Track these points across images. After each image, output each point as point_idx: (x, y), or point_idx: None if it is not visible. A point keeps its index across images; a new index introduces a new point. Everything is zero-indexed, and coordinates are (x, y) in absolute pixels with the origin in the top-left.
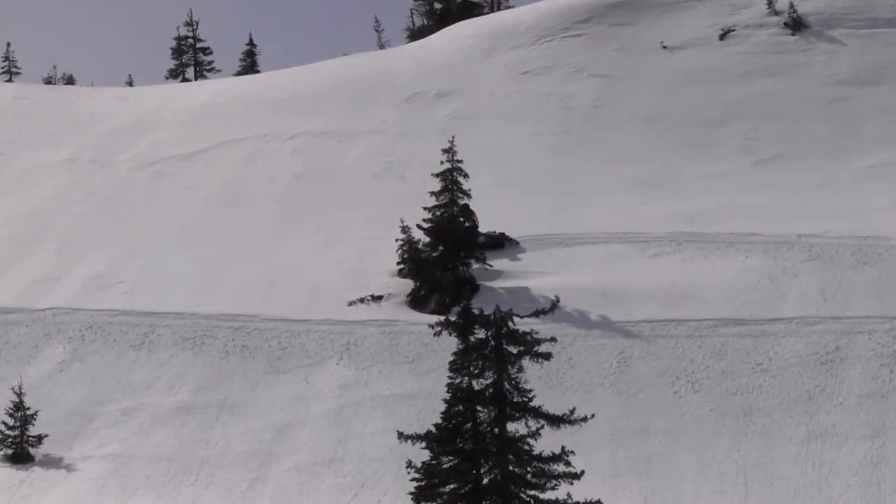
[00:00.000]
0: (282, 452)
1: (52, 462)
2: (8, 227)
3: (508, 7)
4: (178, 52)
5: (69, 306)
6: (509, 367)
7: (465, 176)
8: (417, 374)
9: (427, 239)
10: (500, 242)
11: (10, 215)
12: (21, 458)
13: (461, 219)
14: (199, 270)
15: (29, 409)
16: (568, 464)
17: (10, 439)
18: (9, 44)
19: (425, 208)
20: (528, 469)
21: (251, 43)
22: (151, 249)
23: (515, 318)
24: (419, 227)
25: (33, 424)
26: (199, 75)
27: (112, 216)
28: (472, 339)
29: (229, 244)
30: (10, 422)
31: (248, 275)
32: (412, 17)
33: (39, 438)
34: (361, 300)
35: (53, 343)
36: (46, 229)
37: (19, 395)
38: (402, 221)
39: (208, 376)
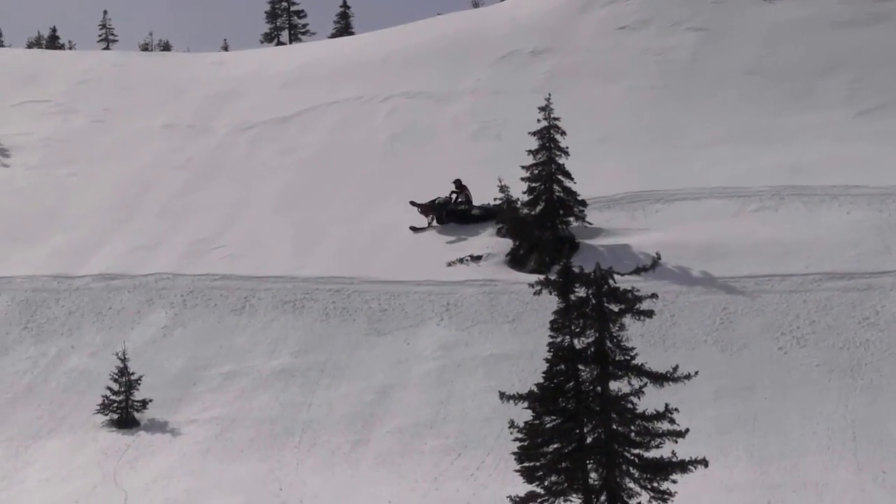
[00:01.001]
0: (384, 414)
1: (157, 426)
2: (109, 194)
3: None
4: (272, 15)
5: (170, 272)
6: (611, 325)
7: (563, 133)
8: (518, 333)
9: (526, 197)
10: (493, 215)
11: (111, 182)
12: (126, 422)
13: (454, 194)
14: (297, 234)
15: (133, 374)
16: (672, 422)
17: (116, 404)
18: (105, 12)
19: (523, 167)
20: (632, 427)
21: (345, 5)
22: (249, 214)
23: (616, 276)
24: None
25: (138, 389)
26: (293, 38)
27: (210, 181)
28: (572, 297)
29: (326, 207)
30: (115, 387)
31: (345, 237)
32: None
33: (144, 403)
34: (461, 260)
35: (156, 308)
36: (146, 196)
37: (123, 360)
38: (500, 181)
39: (309, 339)
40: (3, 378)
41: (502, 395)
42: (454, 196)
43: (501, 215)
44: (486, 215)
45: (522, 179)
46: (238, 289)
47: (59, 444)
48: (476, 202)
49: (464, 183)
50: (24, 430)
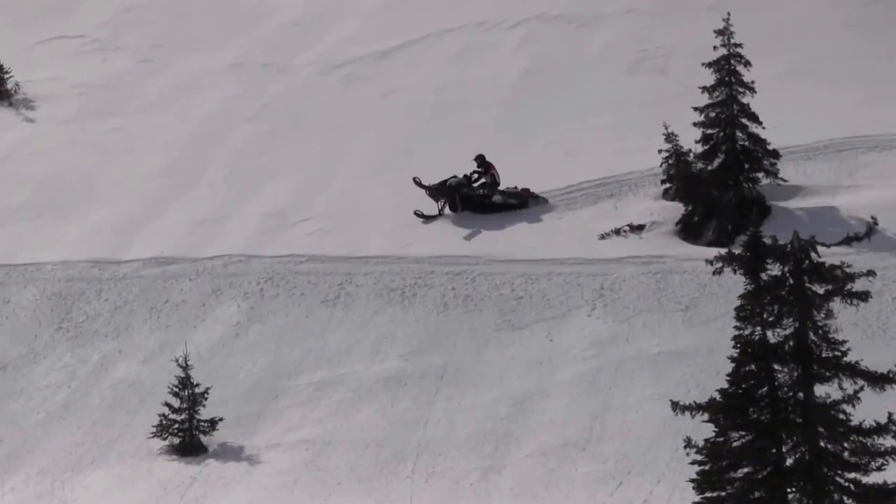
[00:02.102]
0: (521, 432)
1: (231, 453)
2: (163, 153)
3: None
4: None
5: (243, 253)
6: (814, 311)
7: (747, 64)
8: (694, 324)
9: (700, 148)
10: (523, 201)
11: (166, 139)
12: (191, 448)
13: (475, 173)
14: (405, 201)
15: (198, 385)
16: None
17: (177, 425)
18: None
19: (696, 109)
20: (845, 444)
21: None
22: (343, 176)
23: (820, 248)
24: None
25: (204, 405)
26: None
27: (292, 135)
28: (764, 277)
29: (440, 165)
30: (176, 403)
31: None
32: None
33: (213, 423)
34: (617, 231)
35: (225, 300)
36: (210, 156)
37: (185, 368)
38: (667, 127)
39: (423, 337)
40: (33, 394)
41: (675, 405)
42: (475, 176)
43: (671, 173)
44: (514, 203)
45: (695, 125)
46: (330, 273)
47: (106, 478)
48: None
49: (489, 160)
50: (60, 460)
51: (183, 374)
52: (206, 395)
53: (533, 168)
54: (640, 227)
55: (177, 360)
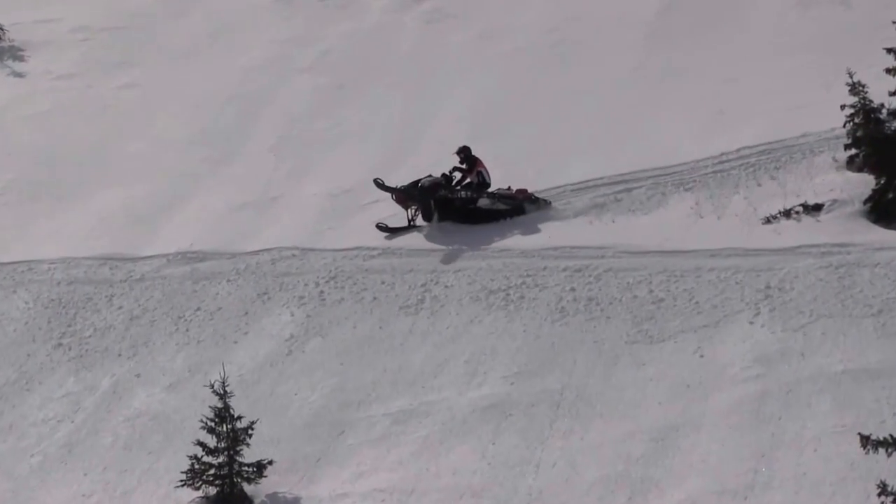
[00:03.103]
0: (664, 477)
1: None
2: (192, 117)
3: None
4: None
5: (297, 246)
6: None
7: None
8: (889, 334)
9: (894, 103)
10: (517, 205)
11: (196, 98)
12: (232, 500)
13: (456, 171)
14: (508, 176)
15: (240, 419)
16: None
17: (214, 471)
18: None
19: (889, 50)
20: None
21: None
22: (428, 143)
23: None
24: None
25: (247, 445)
26: None
27: (361, 91)
28: None
29: (551, 126)
30: (212, 442)
31: (587, 177)
32: None
33: (260, 468)
34: (787, 213)
35: (274, 307)
36: (254, 118)
37: (223, 396)
38: (852, 75)
39: (533, 352)
40: (26, 431)
41: (865, 441)
42: (456, 174)
43: (858, 135)
44: (506, 208)
45: (889, 72)
46: (411, 271)
47: None
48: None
49: (475, 153)
50: None
51: (220, 404)
52: (250, 432)
53: (673, 132)
54: (818, 208)
55: (212, 386)
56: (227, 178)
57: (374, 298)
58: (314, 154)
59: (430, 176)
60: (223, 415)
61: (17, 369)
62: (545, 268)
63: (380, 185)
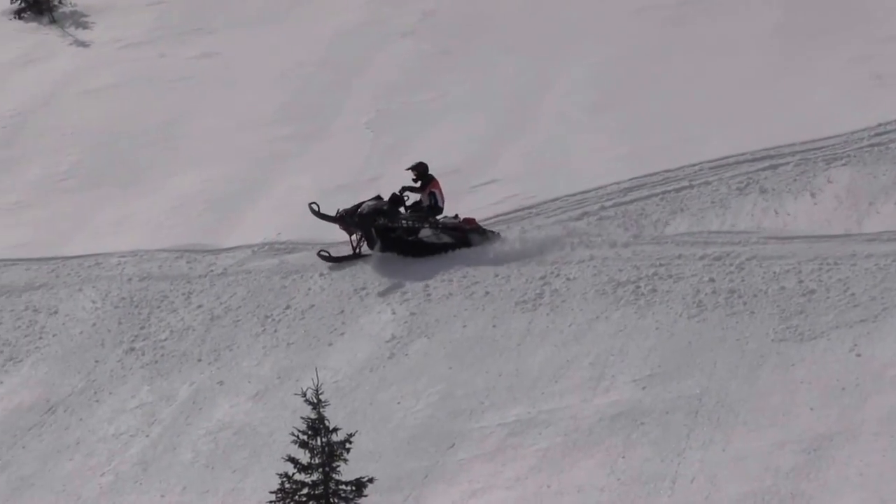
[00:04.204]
0: (817, 492)
1: None
2: (277, 89)
3: None
4: None
5: None
6: None
7: None
8: None
9: None
10: (461, 237)
11: (281, 68)
12: None
13: (406, 192)
14: (634, 152)
15: (336, 430)
16: None
17: (307, 489)
18: None
19: None
20: None
21: None
22: (545, 117)
23: None
24: None
25: (345, 460)
26: None
27: (467, 58)
28: None
29: (672, 93)
30: (305, 457)
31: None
32: None
33: (359, 486)
34: None
35: (374, 304)
36: (347, 90)
37: (317, 405)
38: None
39: (668, 352)
40: (94, 447)
41: None
42: (407, 195)
43: None
44: (450, 241)
45: None
46: (528, 260)
47: None
48: None
49: (430, 171)
50: None
51: (314, 415)
52: (348, 446)
53: (823, 100)
54: None
55: (304, 394)
56: (317, 157)
57: (487, 293)
58: (416, 129)
59: (377, 198)
60: (317, 427)
61: (84, 377)
62: (680, 256)
63: (315, 212)
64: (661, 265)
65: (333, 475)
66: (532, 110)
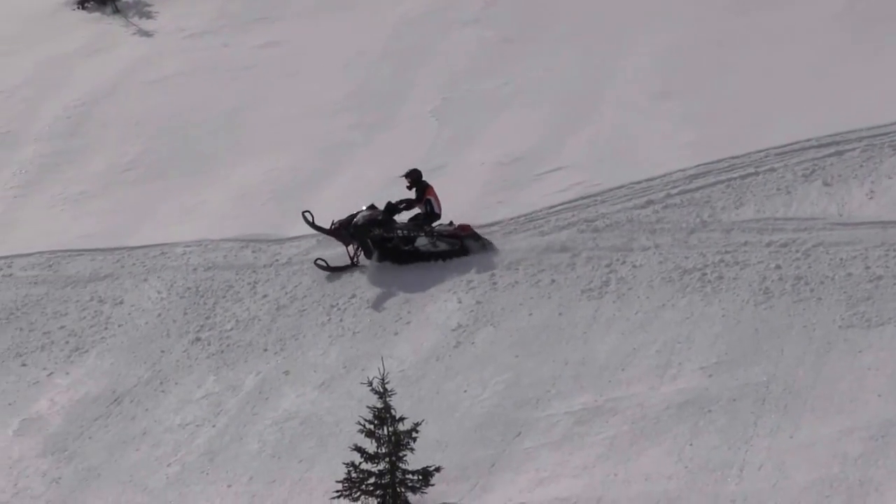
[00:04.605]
0: (886, 479)
1: None
2: (342, 78)
3: None
4: None
5: (464, 221)
6: None
7: None
8: None
9: None
10: (459, 245)
11: (345, 56)
12: None
13: (401, 204)
14: (702, 139)
15: (403, 420)
16: None
17: (374, 479)
18: None
19: None
20: None
21: None
22: (610, 103)
23: None
24: None
25: (412, 450)
26: None
27: (532, 45)
28: None
29: (738, 78)
30: (371, 446)
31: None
32: None
33: (426, 476)
34: None
35: (439, 293)
36: (412, 78)
37: (383, 395)
38: None
39: (734, 340)
40: (161, 438)
41: None
42: (402, 205)
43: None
44: (447, 249)
45: None
46: (594, 248)
47: None
48: None
49: (424, 178)
50: None
51: (380, 404)
52: (414, 435)
53: (891, 85)
54: None
55: (370, 384)
56: (382, 146)
57: (553, 281)
58: (481, 117)
59: (371, 207)
60: (383, 416)
61: (150, 368)
62: (746, 243)
63: (309, 222)
64: (727, 252)
65: (400, 464)
66: (596, 97)
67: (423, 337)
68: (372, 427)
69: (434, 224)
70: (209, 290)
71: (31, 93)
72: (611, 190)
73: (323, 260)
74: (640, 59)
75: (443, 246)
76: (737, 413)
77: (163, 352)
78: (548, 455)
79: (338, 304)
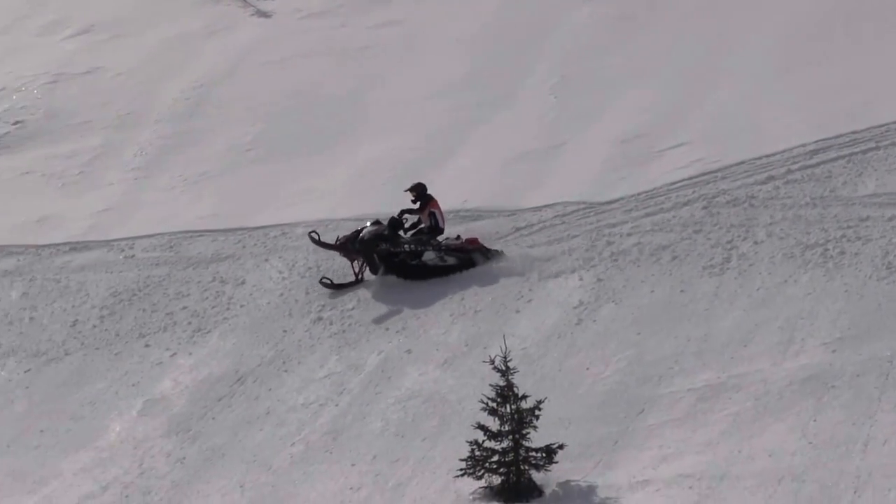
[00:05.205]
0: None
1: (577, 496)
2: (460, 56)
3: None
4: None
5: (581, 199)
6: None
7: None
8: None
9: None
10: (465, 258)
11: (463, 34)
12: (518, 491)
13: (405, 215)
14: (824, 110)
15: (525, 397)
16: None
17: (497, 458)
18: None
19: None
20: None
21: None
22: (732, 78)
23: None
24: None
25: (535, 428)
26: None
27: (651, 20)
28: None
29: (867, 50)
30: (494, 424)
31: None
32: None
33: (549, 453)
34: None
35: (560, 271)
36: (531, 55)
37: (506, 372)
38: None
39: (857, 315)
40: (285, 417)
41: None
42: (406, 218)
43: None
44: (454, 263)
45: None
46: (715, 225)
47: None
48: None
49: (430, 192)
50: None
51: (502, 382)
52: (537, 413)
53: None
54: None
55: (492, 362)
56: (502, 124)
57: (674, 258)
58: (600, 94)
59: (376, 223)
60: (506, 394)
61: (272, 347)
62: (867, 218)
63: (315, 240)
64: (848, 227)
65: (523, 442)
66: (716, 73)
67: (544, 315)
68: (495, 405)
69: (440, 238)
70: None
71: (150, 74)
72: (731, 166)
73: (328, 278)
74: (759, 35)
75: (451, 260)
76: (861, 388)
77: (285, 332)
78: (671, 432)
79: (455, 277)
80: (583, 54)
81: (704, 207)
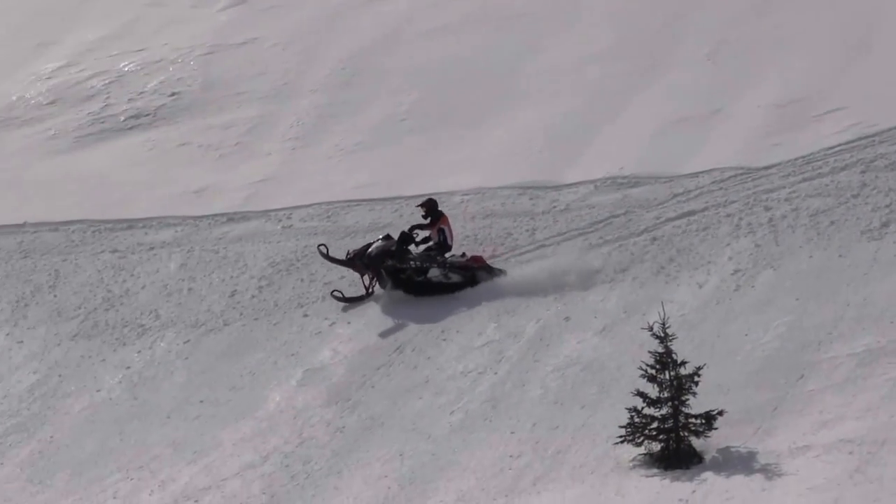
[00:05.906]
0: None
1: (737, 462)
2: (616, 23)
3: None
4: None
5: (738, 165)
6: None
7: None
8: None
9: None
10: (470, 276)
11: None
12: (678, 457)
13: (416, 230)
14: None
15: (685, 364)
16: None
17: (656, 424)
18: None
19: None
20: None
21: None
22: (888, 33)
23: None
24: None
25: (694, 394)
26: None
27: None
28: None
29: None
30: (654, 392)
31: None
32: None
33: (709, 420)
34: None
35: (719, 234)
36: (687, 22)
37: (664, 339)
38: None
39: None
40: (444, 385)
41: None
42: (417, 234)
43: None
44: (459, 280)
45: None
46: (874, 189)
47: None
48: None
49: (440, 208)
50: (488, 480)
51: (661, 349)
52: (696, 379)
53: None
54: None
55: (651, 328)
56: (658, 90)
57: (832, 223)
58: (757, 59)
59: (386, 238)
60: (665, 360)
61: (430, 316)
62: None
63: (323, 254)
64: None
65: (683, 409)
66: (872, 37)
67: (702, 281)
68: (654, 372)
69: (447, 255)
70: (487, 238)
71: (306, 45)
72: (889, 129)
73: (339, 291)
74: None
75: (455, 277)
76: None
77: (442, 300)
78: (831, 397)
79: (615, 243)
80: (738, 20)
81: (862, 172)
